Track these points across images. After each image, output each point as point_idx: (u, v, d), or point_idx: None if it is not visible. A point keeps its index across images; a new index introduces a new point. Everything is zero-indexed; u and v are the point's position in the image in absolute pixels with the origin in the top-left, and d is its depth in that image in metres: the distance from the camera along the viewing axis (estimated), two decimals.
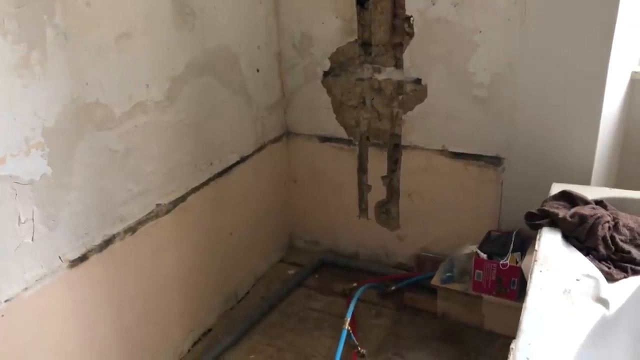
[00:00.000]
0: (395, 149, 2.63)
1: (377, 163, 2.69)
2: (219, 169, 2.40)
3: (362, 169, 2.75)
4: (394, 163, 2.66)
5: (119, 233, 1.94)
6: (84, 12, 1.70)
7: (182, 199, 2.20)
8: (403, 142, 2.59)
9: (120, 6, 1.82)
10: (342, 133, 2.72)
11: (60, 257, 1.74)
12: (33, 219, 1.64)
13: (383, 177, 2.71)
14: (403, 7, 2.36)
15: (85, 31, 1.71)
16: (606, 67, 2.06)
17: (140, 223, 2.02)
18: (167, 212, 2.13)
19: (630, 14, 2.12)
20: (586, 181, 2.18)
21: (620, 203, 1.90)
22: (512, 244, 2.28)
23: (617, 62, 2.11)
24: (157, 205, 2.09)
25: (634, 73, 2.32)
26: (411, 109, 2.52)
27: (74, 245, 1.78)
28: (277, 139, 2.79)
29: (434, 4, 2.30)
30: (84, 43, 1.71)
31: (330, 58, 2.60)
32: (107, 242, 1.90)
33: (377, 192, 2.75)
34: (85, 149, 1.77)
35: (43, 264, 1.69)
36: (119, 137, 1.88)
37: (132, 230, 1.99)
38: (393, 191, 2.71)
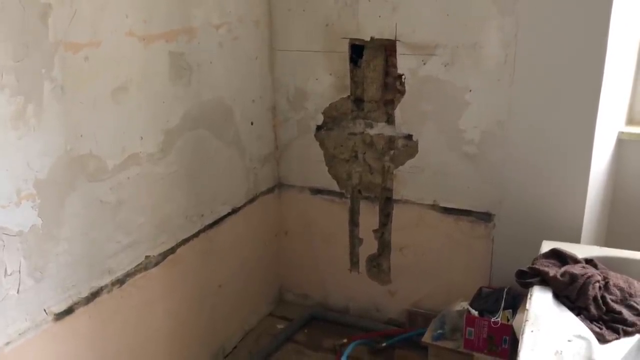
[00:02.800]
0: (386, 203, 2.64)
1: (369, 216, 2.70)
2: (210, 221, 2.39)
3: (353, 222, 2.75)
4: (385, 217, 2.67)
5: (106, 285, 1.92)
6: (82, 66, 1.73)
7: (172, 250, 2.19)
8: (394, 196, 2.61)
9: (118, 61, 1.85)
10: (334, 186, 2.74)
11: (45, 310, 1.71)
12: (20, 271, 1.61)
13: (374, 231, 2.71)
14: (395, 66, 2.43)
15: (82, 84, 1.74)
16: (593, 127, 2.11)
17: (129, 275, 2.00)
18: (156, 264, 2.11)
19: (617, 74, 2.19)
20: (576, 239, 2.18)
21: (610, 262, 1.90)
22: (503, 301, 2.26)
23: (604, 122, 2.16)
24: (147, 257, 2.07)
25: (621, 133, 2.36)
26: (402, 163, 2.55)
27: (60, 297, 1.75)
28: (269, 191, 2.80)
29: (424, 64, 2.36)
30: (80, 96, 1.74)
31: (324, 112, 2.64)
32: (94, 295, 1.88)
33: (369, 246, 2.74)
34: (77, 200, 1.77)
35: (27, 317, 1.66)
36: (110, 188, 1.88)
37: (120, 282, 1.97)
38: (384, 245, 2.71)
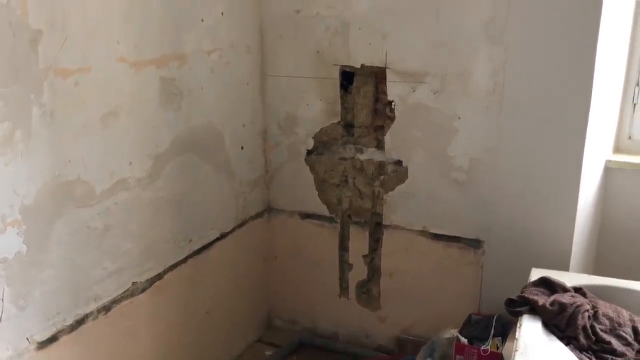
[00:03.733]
0: (376, 228, 2.64)
1: (359, 241, 2.69)
2: (198, 246, 2.37)
3: (343, 247, 2.74)
4: (375, 242, 2.66)
5: (92, 312, 1.89)
6: (71, 91, 1.72)
7: (159, 276, 2.16)
8: (384, 222, 2.61)
9: (109, 86, 1.85)
10: (324, 210, 2.73)
11: (28, 339, 1.68)
12: (2, 299, 1.59)
13: (364, 256, 2.70)
14: (385, 92, 2.44)
15: (72, 110, 1.73)
16: (581, 155, 2.13)
17: (115, 302, 1.97)
18: (143, 290, 2.09)
19: (604, 103, 2.21)
20: (565, 266, 2.19)
21: (599, 290, 1.91)
22: (492, 329, 2.25)
23: (591, 150, 2.18)
24: (133, 283, 2.04)
25: (608, 161, 2.39)
26: (392, 189, 2.55)
27: (43, 325, 1.72)
28: (258, 215, 2.78)
29: (414, 91, 2.38)
30: (69, 121, 1.73)
31: (314, 137, 2.65)
32: (79, 322, 1.84)
33: (358, 271, 2.73)
34: (64, 226, 1.75)
35: (9, 346, 1.62)
36: (98, 214, 1.86)
37: (105, 309, 1.94)
38: (374, 270, 2.69)
